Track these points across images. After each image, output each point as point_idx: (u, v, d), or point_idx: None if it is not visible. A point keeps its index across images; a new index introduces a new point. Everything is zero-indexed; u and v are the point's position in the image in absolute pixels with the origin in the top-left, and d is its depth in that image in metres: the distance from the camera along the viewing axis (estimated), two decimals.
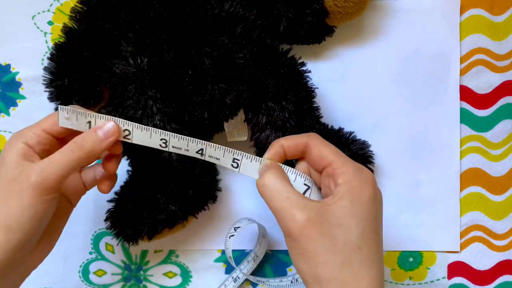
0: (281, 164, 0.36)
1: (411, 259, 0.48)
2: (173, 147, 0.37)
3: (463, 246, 0.48)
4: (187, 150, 0.37)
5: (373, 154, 0.45)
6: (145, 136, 0.37)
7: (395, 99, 0.47)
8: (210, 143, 0.37)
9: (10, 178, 0.33)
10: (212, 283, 0.49)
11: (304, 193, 0.35)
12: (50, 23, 0.48)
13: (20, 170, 0.33)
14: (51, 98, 0.40)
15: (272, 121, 0.42)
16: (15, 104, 0.49)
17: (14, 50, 0.47)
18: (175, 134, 0.37)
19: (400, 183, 0.47)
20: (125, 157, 0.44)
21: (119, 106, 0.40)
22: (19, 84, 0.49)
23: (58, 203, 0.36)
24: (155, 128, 0.37)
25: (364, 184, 0.33)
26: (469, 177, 0.48)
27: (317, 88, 0.44)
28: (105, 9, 0.40)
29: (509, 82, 0.47)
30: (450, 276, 0.48)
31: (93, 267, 0.49)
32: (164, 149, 0.37)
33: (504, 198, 0.48)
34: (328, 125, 0.45)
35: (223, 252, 0.49)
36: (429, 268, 0.48)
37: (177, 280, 0.49)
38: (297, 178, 0.36)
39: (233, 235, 0.44)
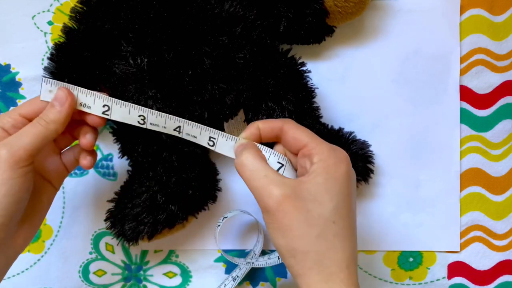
0: (256, 143, 0.38)
1: (411, 259, 0.48)
2: (151, 124, 0.38)
3: (463, 246, 0.48)
4: (165, 128, 0.38)
5: (373, 154, 0.45)
6: (124, 112, 0.38)
7: (395, 99, 0.47)
8: (188, 121, 0.38)
9: None
10: (212, 283, 0.49)
11: (278, 170, 0.36)
12: (50, 23, 0.48)
13: None
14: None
15: None
16: (15, 104, 0.49)
17: (14, 50, 0.47)
18: (153, 111, 0.38)
19: (400, 183, 0.47)
20: (125, 157, 0.44)
21: None
22: (19, 84, 0.49)
23: (41, 186, 0.38)
24: (134, 104, 0.38)
25: (338, 162, 0.34)
26: (469, 177, 0.48)
27: (317, 88, 0.44)
28: (105, 9, 0.40)
29: (509, 82, 0.47)
30: (450, 276, 0.48)
31: (93, 267, 0.49)
32: (142, 125, 0.38)
33: (504, 198, 0.48)
34: (328, 125, 0.45)
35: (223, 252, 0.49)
36: (429, 268, 0.48)
37: (177, 280, 0.49)
38: (271, 156, 0.37)
39: (219, 225, 0.44)
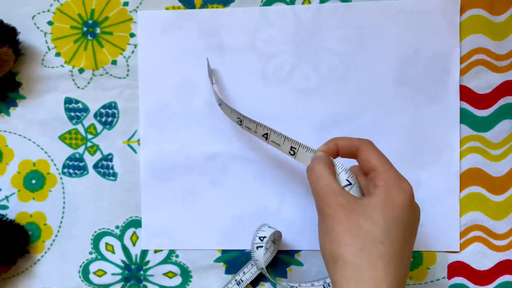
0: (333, 159, 0.39)
1: (411, 259, 0.48)
2: (246, 126, 0.42)
3: (463, 246, 0.48)
4: (256, 132, 0.41)
5: None
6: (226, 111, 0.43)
7: (395, 99, 0.47)
8: (274, 129, 0.40)
9: None
10: (212, 283, 0.49)
11: (345, 187, 0.37)
12: (50, 23, 0.48)
13: None
14: None
15: None
16: (15, 104, 0.49)
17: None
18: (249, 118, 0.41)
19: None
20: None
21: None
22: (19, 84, 0.49)
23: None
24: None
25: (400, 192, 0.35)
26: (469, 177, 0.48)
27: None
28: None
29: (509, 82, 0.47)
30: (450, 276, 0.48)
31: (93, 267, 0.49)
32: (239, 125, 0.42)
33: (504, 198, 0.48)
34: None
35: (223, 252, 0.49)
36: (429, 268, 0.48)
37: (177, 280, 0.49)
38: (342, 173, 0.38)
39: (261, 246, 0.44)
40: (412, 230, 0.36)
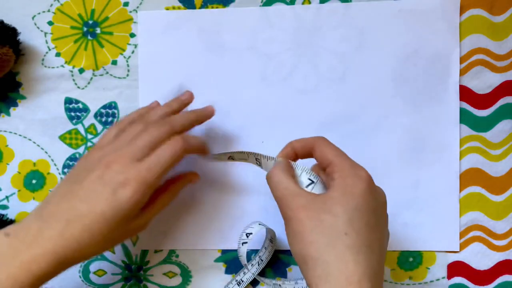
0: (293, 162, 0.39)
1: (411, 259, 0.48)
2: (214, 157, 0.44)
3: (463, 246, 0.48)
4: (231, 159, 0.43)
5: None
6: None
7: (395, 99, 0.47)
8: (236, 151, 0.43)
9: None
10: (212, 283, 0.49)
11: (308, 186, 0.38)
12: (50, 23, 0.48)
13: None
14: None
15: None
16: (15, 104, 0.49)
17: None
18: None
19: (400, 183, 0.47)
20: None
21: None
22: (19, 84, 0.49)
23: None
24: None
25: (357, 180, 0.35)
26: (468, 177, 0.48)
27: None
28: None
29: (509, 82, 0.47)
30: (450, 276, 0.48)
31: (93, 267, 0.49)
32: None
33: (504, 198, 0.48)
34: None
35: (223, 252, 0.49)
36: (429, 268, 0.48)
37: (177, 280, 0.49)
38: (303, 173, 0.38)
39: (246, 242, 0.44)
40: (378, 215, 0.36)
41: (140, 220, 0.39)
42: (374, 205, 0.35)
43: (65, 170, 0.49)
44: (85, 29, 0.48)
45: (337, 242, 0.33)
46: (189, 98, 0.45)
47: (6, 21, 0.47)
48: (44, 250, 0.36)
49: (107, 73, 0.48)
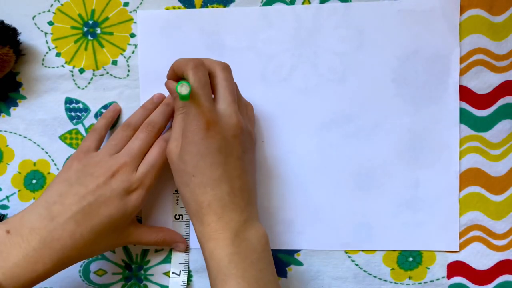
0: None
1: (410, 259, 0.48)
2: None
3: (462, 246, 0.48)
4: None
5: None
6: None
7: (395, 99, 0.47)
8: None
9: None
10: None
11: None
12: (50, 23, 0.48)
13: None
14: None
15: None
16: (15, 104, 0.49)
17: None
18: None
19: (400, 183, 0.47)
20: None
21: None
22: (19, 84, 0.49)
23: None
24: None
25: (196, 128, 0.39)
26: (468, 177, 0.48)
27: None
28: None
29: (509, 82, 0.47)
30: (449, 276, 0.48)
31: (93, 267, 0.49)
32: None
33: (504, 198, 0.48)
34: None
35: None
36: (428, 268, 0.48)
37: None
38: None
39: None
40: (226, 153, 0.40)
41: (131, 238, 0.45)
42: (217, 145, 0.39)
43: None
44: (85, 29, 0.48)
45: (189, 182, 0.40)
46: (160, 97, 0.48)
47: (7, 21, 0.47)
48: (52, 250, 0.37)
49: (107, 73, 0.49)
